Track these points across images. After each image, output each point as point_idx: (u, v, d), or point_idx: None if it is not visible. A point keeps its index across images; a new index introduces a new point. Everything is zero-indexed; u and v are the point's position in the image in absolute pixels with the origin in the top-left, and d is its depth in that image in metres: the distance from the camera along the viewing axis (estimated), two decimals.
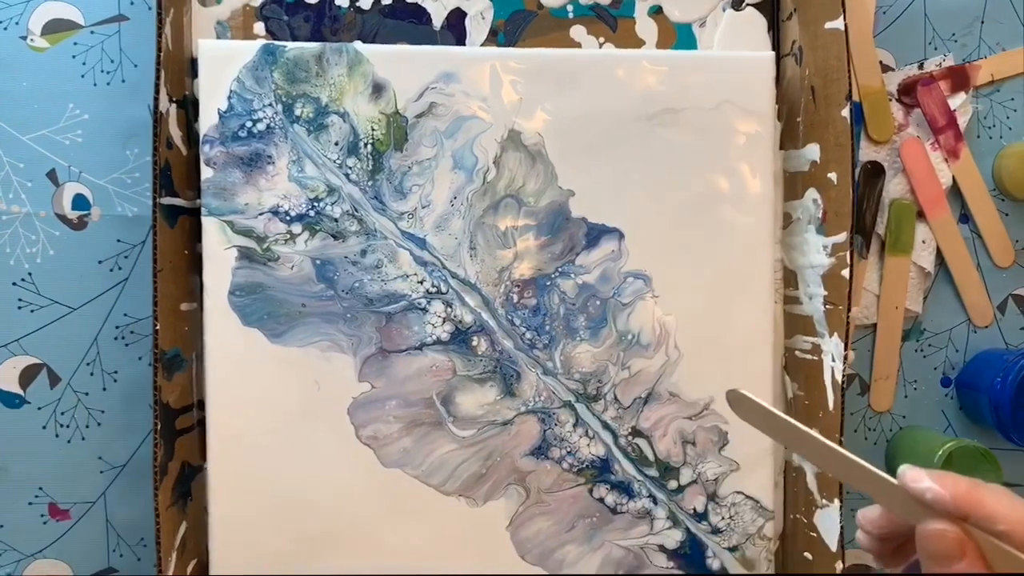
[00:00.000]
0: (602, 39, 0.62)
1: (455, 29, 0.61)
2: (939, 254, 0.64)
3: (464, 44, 0.61)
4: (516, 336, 0.58)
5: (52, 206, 0.59)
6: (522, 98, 0.58)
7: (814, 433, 0.38)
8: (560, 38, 0.61)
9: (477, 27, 0.61)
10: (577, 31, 0.61)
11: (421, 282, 0.57)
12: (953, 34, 0.65)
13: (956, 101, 0.64)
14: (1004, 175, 0.64)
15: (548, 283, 0.58)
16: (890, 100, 0.64)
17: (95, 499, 0.60)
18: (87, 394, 0.59)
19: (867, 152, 0.64)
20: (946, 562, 0.33)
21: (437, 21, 0.61)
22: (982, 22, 0.65)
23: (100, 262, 0.59)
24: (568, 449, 0.59)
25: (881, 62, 0.64)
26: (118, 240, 0.59)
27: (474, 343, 0.58)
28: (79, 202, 0.59)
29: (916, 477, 0.33)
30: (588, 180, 0.58)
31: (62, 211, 0.59)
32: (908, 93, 0.64)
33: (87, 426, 0.59)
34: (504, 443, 0.58)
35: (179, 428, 0.56)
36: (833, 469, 0.39)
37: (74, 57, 0.59)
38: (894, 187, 0.64)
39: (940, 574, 0.33)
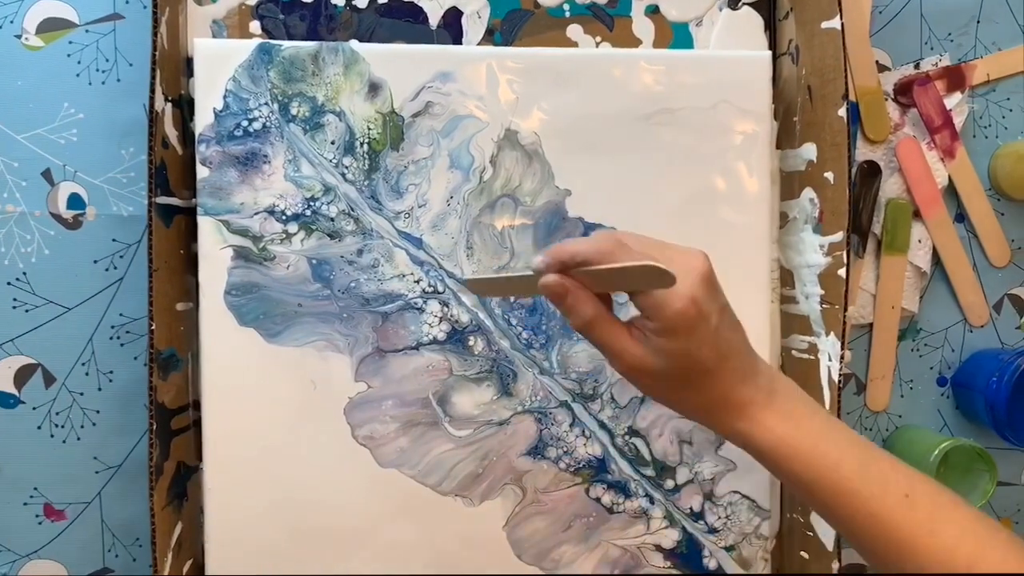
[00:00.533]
0: (599, 38, 0.62)
1: (451, 28, 0.61)
2: (935, 253, 0.64)
3: (460, 43, 0.61)
4: (513, 336, 0.58)
5: (47, 205, 0.58)
6: (519, 97, 0.58)
7: (491, 275, 0.48)
8: (557, 37, 0.61)
9: (473, 26, 0.61)
10: (574, 30, 0.61)
11: (418, 282, 0.57)
12: (949, 34, 0.65)
13: (952, 101, 0.64)
14: (1000, 175, 0.64)
15: None
16: (886, 100, 0.64)
17: (90, 499, 0.59)
18: (82, 394, 0.59)
19: (863, 152, 0.64)
20: (559, 299, 0.43)
21: (433, 20, 0.60)
22: (978, 22, 0.65)
23: (95, 262, 0.59)
24: (565, 449, 0.59)
25: (877, 62, 0.64)
26: (113, 240, 0.59)
27: (471, 343, 0.58)
28: (74, 201, 0.59)
29: (536, 261, 0.43)
30: (585, 179, 0.58)
31: (57, 210, 0.58)
32: (904, 93, 0.64)
33: (82, 426, 0.59)
34: (501, 443, 0.58)
35: (175, 428, 0.56)
36: (501, 292, 0.51)
37: (69, 56, 0.59)
38: (890, 187, 0.64)
39: (562, 311, 0.43)
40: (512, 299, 0.58)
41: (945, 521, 0.41)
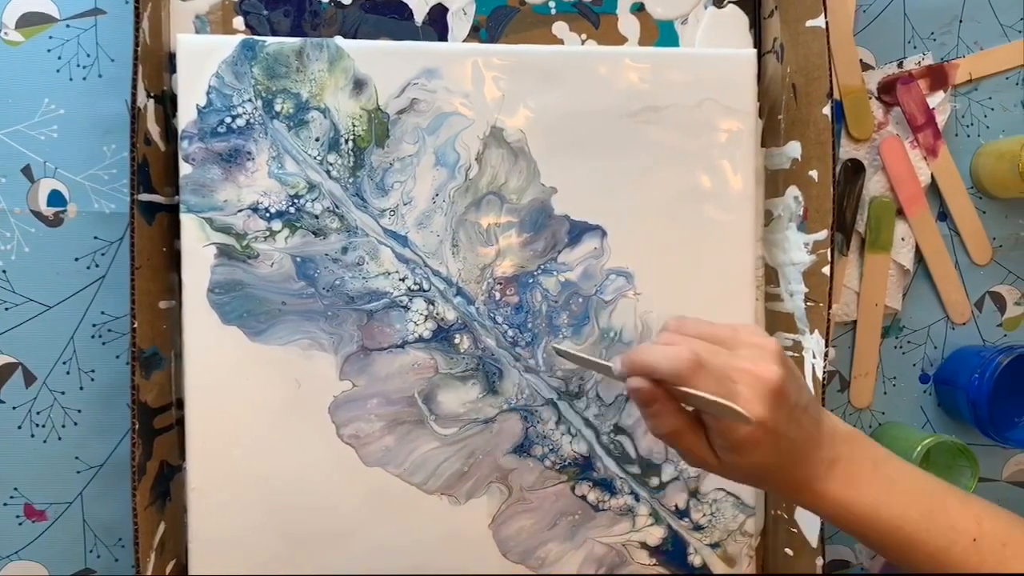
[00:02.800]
0: (584, 36, 0.61)
1: (437, 25, 0.60)
2: (918, 252, 0.65)
3: (446, 40, 0.60)
4: (498, 334, 0.58)
5: (27, 202, 0.58)
6: (504, 95, 0.57)
7: (578, 353, 0.48)
8: (542, 34, 0.61)
9: (459, 23, 0.61)
10: (559, 28, 0.61)
11: (403, 279, 0.57)
12: (932, 33, 0.65)
13: (935, 100, 0.64)
14: (982, 173, 0.65)
15: (531, 280, 0.58)
16: (870, 98, 0.64)
17: (72, 499, 0.59)
18: (63, 393, 0.58)
19: (847, 150, 0.64)
20: (646, 405, 0.43)
21: (419, 17, 0.60)
22: (960, 21, 0.65)
23: (77, 259, 0.58)
24: (550, 447, 0.59)
25: (861, 60, 0.64)
26: (95, 237, 0.58)
27: (456, 341, 0.58)
28: (55, 198, 0.58)
29: (616, 363, 0.43)
30: (571, 177, 0.58)
31: (37, 207, 0.58)
32: (888, 91, 0.64)
33: (63, 425, 0.58)
34: (486, 441, 0.58)
35: (157, 427, 0.55)
36: (583, 366, 0.52)
37: (49, 51, 0.58)
38: (874, 185, 0.64)
39: (644, 414, 0.44)
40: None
41: (1014, 559, 0.42)
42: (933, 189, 0.65)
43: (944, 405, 0.66)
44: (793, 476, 0.43)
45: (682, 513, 0.60)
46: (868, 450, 0.45)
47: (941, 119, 0.64)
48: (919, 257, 0.65)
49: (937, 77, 0.65)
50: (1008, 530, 0.43)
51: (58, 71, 0.58)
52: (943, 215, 0.65)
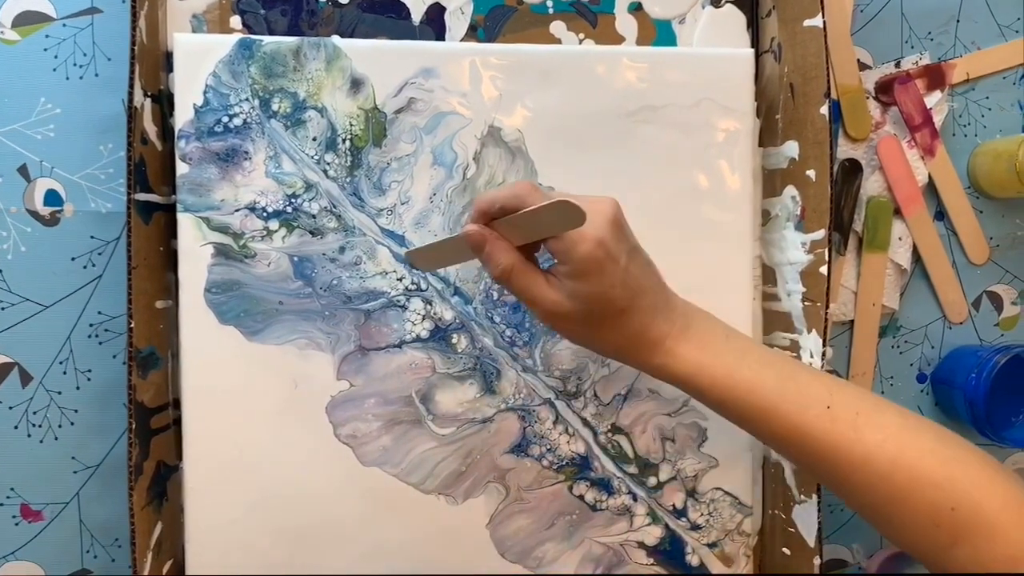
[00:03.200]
0: (582, 35, 0.61)
1: (434, 24, 0.60)
2: (915, 251, 0.65)
3: (443, 39, 0.60)
4: (496, 333, 0.58)
5: (23, 202, 0.58)
6: (502, 94, 0.57)
7: (430, 241, 0.49)
8: (540, 34, 0.61)
9: (456, 22, 0.60)
10: (557, 27, 0.61)
11: (400, 279, 0.57)
12: (929, 33, 0.65)
13: (932, 99, 0.64)
14: (979, 173, 0.65)
15: None
16: (867, 98, 0.64)
17: (68, 500, 0.59)
18: (60, 393, 0.58)
19: (845, 150, 0.64)
20: (479, 248, 0.45)
21: (416, 16, 0.60)
22: (958, 21, 0.65)
23: (73, 259, 0.58)
24: (548, 446, 0.59)
25: (859, 60, 0.64)
26: (92, 237, 0.58)
27: (454, 340, 0.57)
28: (51, 198, 0.58)
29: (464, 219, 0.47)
30: (568, 177, 0.58)
31: (34, 207, 0.58)
32: (885, 91, 0.64)
33: (60, 425, 0.58)
34: (484, 441, 0.58)
35: (154, 427, 0.55)
36: (440, 261, 0.52)
37: (46, 50, 0.58)
38: (871, 184, 0.64)
39: (483, 262, 0.45)
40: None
41: (867, 427, 0.43)
42: (930, 189, 0.65)
43: (941, 404, 0.66)
44: (647, 329, 0.45)
45: (680, 513, 0.60)
46: (717, 323, 0.48)
47: (938, 119, 0.64)
48: (916, 257, 0.65)
49: (934, 77, 0.65)
50: (859, 400, 0.44)
51: (55, 70, 0.58)
52: (940, 215, 0.66)
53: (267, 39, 0.56)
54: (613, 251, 0.43)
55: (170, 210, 0.56)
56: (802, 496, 0.57)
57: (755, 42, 0.63)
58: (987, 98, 0.66)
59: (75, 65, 0.58)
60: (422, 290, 0.57)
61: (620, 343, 0.46)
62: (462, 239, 0.45)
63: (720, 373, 0.45)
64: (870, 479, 0.42)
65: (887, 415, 0.43)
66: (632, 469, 0.60)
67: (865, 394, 0.45)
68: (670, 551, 0.60)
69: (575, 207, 0.40)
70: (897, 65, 0.65)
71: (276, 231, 0.56)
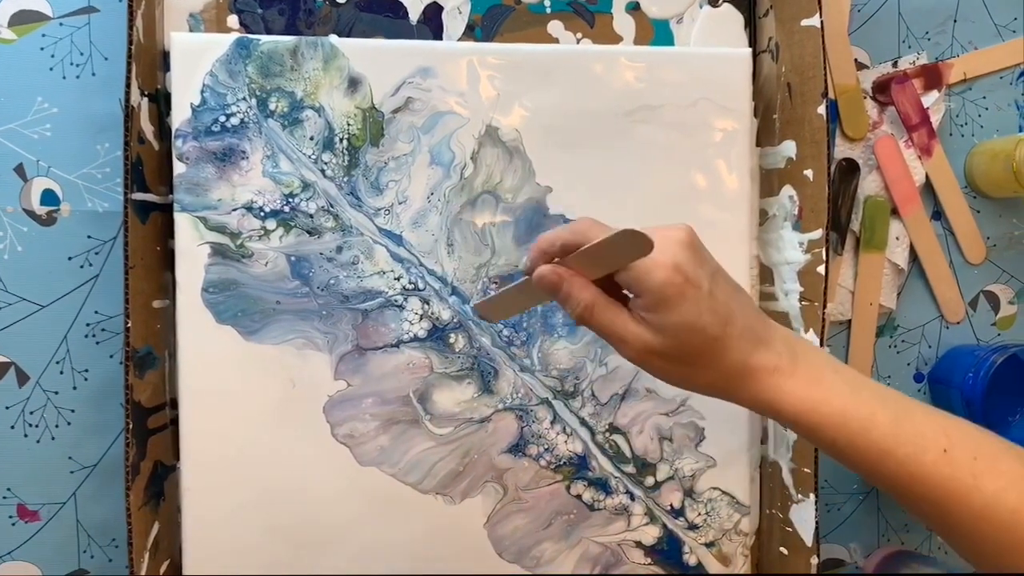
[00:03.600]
0: (579, 35, 0.61)
1: (432, 23, 0.60)
2: (912, 251, 0.65)
3: (441, 39, 0.60)
4: (493, 333, 0.58)
5: (20, 201, 0.57)
6: (500, 93, 0.57)
7: (493, 294, 0.48)
8: (537, 33, 0.61)
9: (454, 22, 0.60)
10: (554, 27, 0.61)
11: (398, 279, 0.57)
12: (927, 32, 0.65)
13: (929, 99, 0.64)
14: (976, 173, 0.65)
15: None
16: (865, 98, 0.64)
17: (65, 500, 0.59)
18: (57, 393, 0.58)
19: (842, 149, 0.64)
20: (555, 289, 0.42)
21: (414, 15, 0.60)
22: (955, 21, 0.65)
23: (70, 259, 0.58)
24: (546, 446, 0.59)
25: (856, 60, 0.64)
26: (88, 236, 0.58)
27: (451, 340, 0.57)
28: (48, 197, 0.58)
29: (523, 262, 0.43)
30: (566, 176, 0.58)
31: (30, 207, 0.58)
32: (882, 91, 0.64)
33: (57, 425, 0.58)
34: (481, 440, 0.58)
35: (151, 427, 0.55)
36: (509, 309, 0.50)
37: (42, 49, 0.58)
38: (868, 184, 0.64)
39: (561, 302, 0.43)
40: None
41: (986, 473, 0.39)
42: (927, 188, 0.65)
43: (938, 404, 0.65)
44: (747, 360, 0.41)
45: (677, 512, 0.60)
46: (823, 354, 0.44)
47: (935, 118, 0.64)
48: (913, 256, 0.65)
49: (931, 76, 0.65)
50: (977, 443, 0.41)
51: (51, 69, 0.58)
52: (937, 214, 0.66)
53: (264, 38, 0.56)
54: (692, 275, 0.40)
55: (167, 210, 0.56)
56: (800, 495, 0.57)
57: (752, 42, 0.63)
58: (984, 98, 0.66)
59: (72, 64, 0.58)
60: (420, 290, 0.57)
61: (719, 377, 0.42)
62: (532, 283, 0.43)
63: (832, 411, 0.41)
64: (990, 530, 0.39)
65: (1006, 460, 0.40)
66: (630, 469, 0.60)
67: (980, 434, 0.42)
68: (667, 551, 0.60)
69: (640, 235, 0.38)
70: (894, 65, 0.65)
71: (273, 231, 0.56)
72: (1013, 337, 0.67)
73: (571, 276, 0.42)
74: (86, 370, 0.58)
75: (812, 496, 0.56)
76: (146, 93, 0.54)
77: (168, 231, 0.56)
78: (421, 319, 0.57)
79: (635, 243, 0.39)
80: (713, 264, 0.42)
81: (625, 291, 0.42)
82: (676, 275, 0.39)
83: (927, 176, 0.65)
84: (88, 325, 0.58)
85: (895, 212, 0.64)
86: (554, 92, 0.58)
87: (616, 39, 0.62)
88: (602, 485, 0.59)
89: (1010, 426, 0.63)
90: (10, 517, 0.58)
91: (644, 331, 0.41)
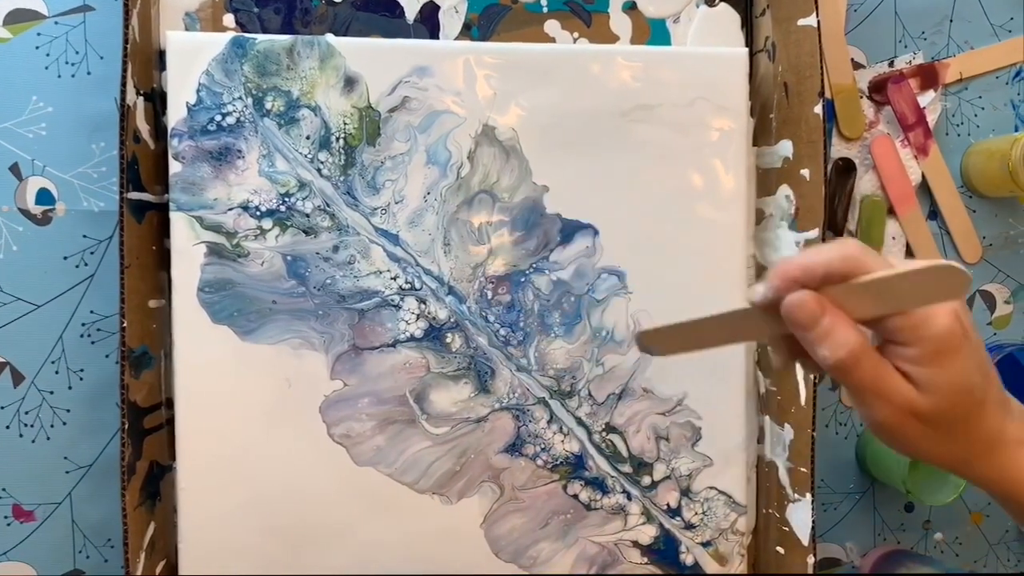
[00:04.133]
0: (576, 34, 0.61)
1: (428, 23, 0.60)
2: (908, 250, 0.65)
3: (437, 38, 0.60)
4: (490, 333, 0.58)
5: (15, 201, 0.57)
6: (496, 93, 0.57)
7: (700, 315, 0.38)
8: (534, 33, 0.61)
9: (450, 21, 0.60)
10: (551, 26, 0.61)
11: (394, 278, 0.57)
12: (923, 32, 0.65)
13: (925, 99, 0.64)
14: (972, 172, 0.65)
15: (522, 279, 0.58)
16: (861, 97, 0.64)
17: (61, 500, 0.59)
18: (52, 393, 0.58)
19: (838, 149, 0.64)
20: (813, 323, 0.34)
21: (410, 14, 0.60)
22: (951, 20, 0.65)
23: (65, 258, 0.58)
24: (542, 446, 0.59)
25: (852, 59, 0.64)
26: (84, 236, 0.58)
27: (448, 340, 0.57)
28: (43, 197, 0.58)
29: (758, 290, 0.35)
30: (563, 176, 0.58)
31: (25, 206, 0.57)
32: (879, 91, 0.64)
33: (52, 425, 0.58)
34: (478, 440, 0.58)
35: (147, 427, 0.55)
36: (689, 343, 0.40)
37: (37, 48, 0.57)
38: (865, 184, 0.64)
39: (808, 342, 0.35)
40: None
41: None
42: (924, 188, 0.65)
43: None
44: (1005, 431, 0.36)
45: (674, 512, 0.60)
46: None
47: (932, 118, 0.65)
48: (910, 256, 0.65)
49: (928, 76, 0.65)
50: None
51: (46, 68, 0.57)
52: (933, 214, 0.66)
53: (260, 37, 0.55)
54: (969, 326, 0.34)
55: (163, 209, 0.56)
56: (796, 495, 0.57)
57: (749, 41, 0.63)
58: (980, 97, 0.66)
59: (67, 63, 0.58)
60: (416, 289, 0.57)
61: (969, 447, 0.37)
62: (741, 319, 0.36)
63: None
64: None
65: None
66: (626, 468, 0.60)
67: None
68: (664, 550, 0.60)
69: (960, 272, 0.31)
70: (891, 64, 0.65)
71: (269, 230, 0.56)
72: (1009, 336, 0.67)
73: (836, 311, 0.34)
74: (81, 370, 0.58)
75: (808, 495, 0.56)
76: (142, 92, 0.54)
77: (164, 231, 0.56)
78: (418, 319, 0.57)
79: (950, 281, 0.32)
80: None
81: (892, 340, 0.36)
82: (958, 324, 0.34)
83: (923, 176, 0.65)
84: (84, 325, 0.58)
85: (891, 212, 0.64)
86: (551, 91, 0.58)
87: (613, 39, 0.62)
88: (599, 485, 0.59)
89: None
90: (5, 517, 0.58)
91: (910, 389, 0.35)
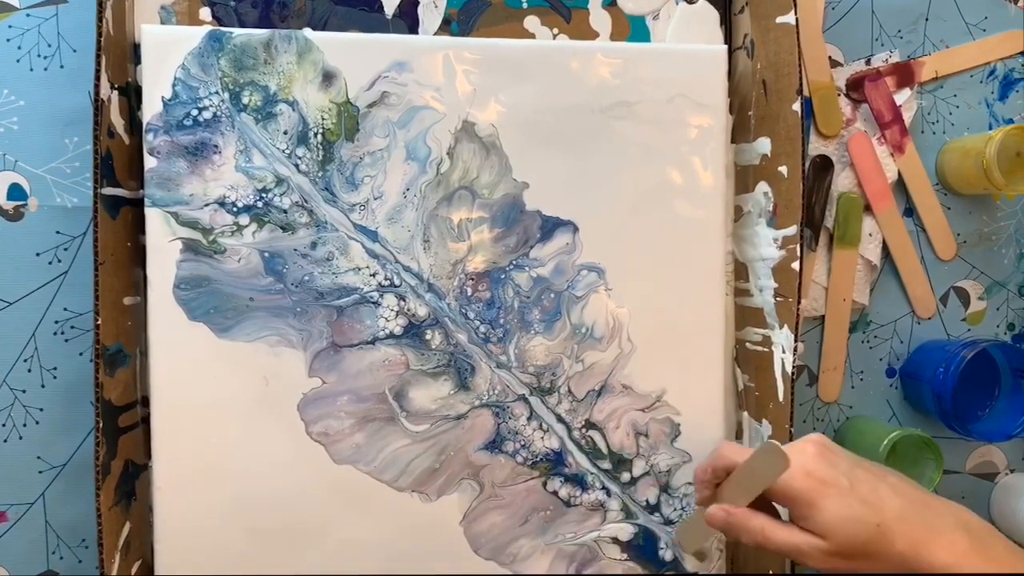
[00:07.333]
0: (556, 30, 0.61)
1: (407, 17, 0.60)
2: (885, 247, 0.66)
3: (417, 33, 0.60)
4: (470, 330, 0.58)
5: None
6: (476, 89, 0.57)
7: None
8: (514, 29, 0.61)
9: (430, 16, 0.60)
10: (531, 22, 0.61)
11: (373, 275, 0.57)
12: (899, 31, 0.66)
13: (901, 97, 0.65)
14: (947, 170, 0.66)
15: (502, 276, 0.58)
16: (838, 95, 0.65)
17: (34, 500, 0.58)
18: (24, 391, 0.57)
19: (816, 146, 0.64)
20: (725, 527, 0.49)
21: (389, 9, 0.60)
22: (927, 19, 0.66)
23: (38, 254, 0.57)
24: (522, 443, 0.59)
25: (830, 57, 0.64)
26: (57, 232, 0.57)
27: (428, 337, 0.57)
28: (15, 192, 0.57)
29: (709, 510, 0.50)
30: (542, 172, 0.58)
31: None
32: (856, 88, 0.65)
33: (24, 425, 0.57)
34: (458, 437, 0.58)
35: (122, 426, 0.54)
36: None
37: (9, 40, 0.56)
38: (842, 181, 0.65)
39: (738, 537, 0.48)
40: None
41: None
42: (900, 185, 0.66)
43: (910, 399, 0.67)
44: (918, 549, 0.42)
45: (653, 508, 0.60)
46: (1000, 538, 0.44)
47: (908, 116, 0.65)
48: (886, 252, 0.66)
49: (904, 74, 0.65)
50: None
51: (18, 61, 0.57)
52: (909, 211, 0.66)
53: (237, 31, 0.55)
54: (826, 476, 0.44)
55: (138, 205, 0.55)
56: None
57: (728, 38, 0.63)
58: (955, 96, 0.67)
59: (39, 56, 0.57)
60: (395, 286, 0.57)
61: (898, 564, 0.43)
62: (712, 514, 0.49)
63: None
64: None
65: None
66: (606, 464, 0.60)
67: None
68: (644, 546, 0.60)
69: (777, 450, 0.44)
70: (867, 62, 0.65)
71: (246, 226, 0.55)
72: (983, 332, 0.67)
73: (734, 511, 0.47)
74: (55, 368, 0.57)
75: None
76: (116, 86, 0.53)
77: (139, 227, 0.55)
78: (397, 316, 0.57)
79: (774, 458, 0.44)
80: (848, 461, 0.46)
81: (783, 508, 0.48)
82: (811, 479, 0.44)
83: (899, 173, 0.65)
84: (57, 322, 0.57)
85: (868, 209, 0.65)
86: (531, 88, 0.57)
87: (592, 35, 0.62)
88: (578, 481, 0.59)
89: (979, 420, 0.64)
90: None
91: (812, 537, 0.44)
